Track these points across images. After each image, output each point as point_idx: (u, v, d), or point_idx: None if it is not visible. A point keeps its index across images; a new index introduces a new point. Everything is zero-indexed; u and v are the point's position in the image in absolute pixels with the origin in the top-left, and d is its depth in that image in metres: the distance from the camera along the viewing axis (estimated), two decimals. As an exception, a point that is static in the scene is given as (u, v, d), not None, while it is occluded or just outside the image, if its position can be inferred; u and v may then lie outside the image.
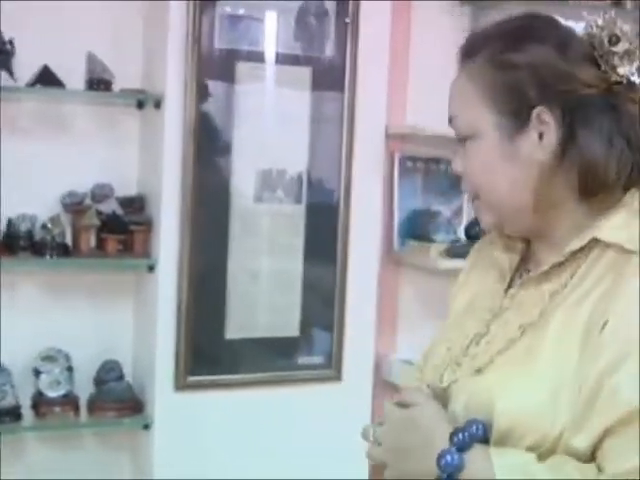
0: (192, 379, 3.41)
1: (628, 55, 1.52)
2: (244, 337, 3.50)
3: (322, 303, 3.61)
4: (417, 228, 3.77)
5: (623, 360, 1.39)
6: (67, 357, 3.39)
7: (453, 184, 3.87)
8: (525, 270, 1.64)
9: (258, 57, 3.40)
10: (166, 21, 3.28)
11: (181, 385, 3.40)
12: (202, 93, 3.31)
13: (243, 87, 3.38)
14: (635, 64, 1.52)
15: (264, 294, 3.52)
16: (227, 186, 3.40)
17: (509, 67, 1.52)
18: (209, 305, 3.43)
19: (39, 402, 3.32)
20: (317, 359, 3.62)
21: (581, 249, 1.51)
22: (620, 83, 1.52)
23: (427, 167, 3.84)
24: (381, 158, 3.68)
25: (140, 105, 3.41)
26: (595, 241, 1.50)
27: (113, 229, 3.38)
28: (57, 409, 3.32)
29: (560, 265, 1.53)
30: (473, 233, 3.78)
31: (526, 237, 1.65)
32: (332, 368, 3.63)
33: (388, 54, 3.63)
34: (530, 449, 1.44)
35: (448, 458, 1.46)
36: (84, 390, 3.42)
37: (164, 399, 3.39)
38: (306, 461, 3.56)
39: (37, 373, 3.35)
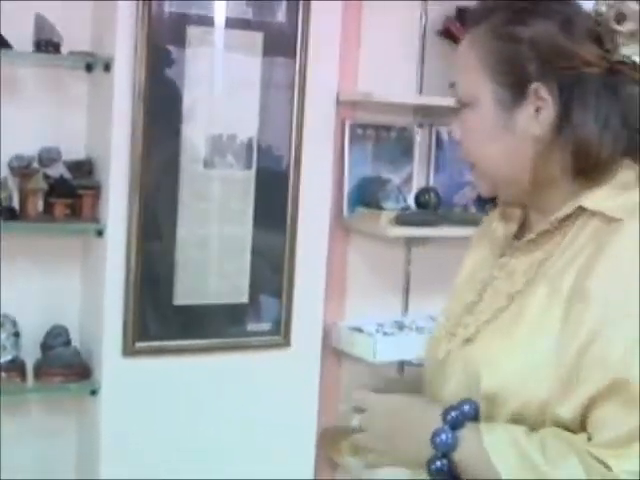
0: (140, 345, 3.39)
1: (633, 35, 1.51)
2: (193, 303, 3.48)
3: (271, 269, 3.60)
4: (367, 195, 3.77)
5: (604, 328, 1.40)
6: (14, 322, 3.35)
7: (403, 152, 3.89)
8: (520, 239, 1.65)
9: (209, 21, 3.36)
10: (116, -17, 3.23)
11: (129, 351, 3.37)
12: (152, 57, 3.26)
13: (194, 51, 3.34)
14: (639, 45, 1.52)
15: (213, 260, 3.50)
16: (177, 151, 3.37)
17: (511, 40, 1.52)
18: (158, 271, 3.41)
19: (-16, 368, 3.29)
20: (266, 325, 3.61)
21: (568, 218, 1.53)
22: (622, 63, 1.52)
23: (378, 134, 3.84)
24: (332, 125, 3.66)
25: (89, 68, 3.35)
26: (581, 210, 1.51)
27: (61, 193, 3.32)
28: (3, 375, 3.28)
29: (548, 233, 1.55)
30: (423, 201, 3.80)
31: (523, 206, 1.66)
32: (281, 335, 3.62)
33: (340, 21, 3.61)
34: (516, 416, 1.46)
35: (443, 437, 1.48)
36: (31, 355, 3.39)
37: (112, 365, 3.37)
38: (254, 427, 3.57)
39: (-17, 338, 3.32)
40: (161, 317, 3.44)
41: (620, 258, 1.42)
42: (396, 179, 3.84)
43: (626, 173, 1.52)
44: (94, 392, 3.38)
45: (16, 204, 3.30)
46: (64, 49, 3.29)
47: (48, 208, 3.33)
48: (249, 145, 3.47)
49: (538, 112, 1.52)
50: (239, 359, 3.55)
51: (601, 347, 1.39)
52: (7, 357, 3.30)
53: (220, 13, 3.37)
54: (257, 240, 3.54)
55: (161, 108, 3.32)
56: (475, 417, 1.50)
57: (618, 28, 1.50)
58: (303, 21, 3.47)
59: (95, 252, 3.42)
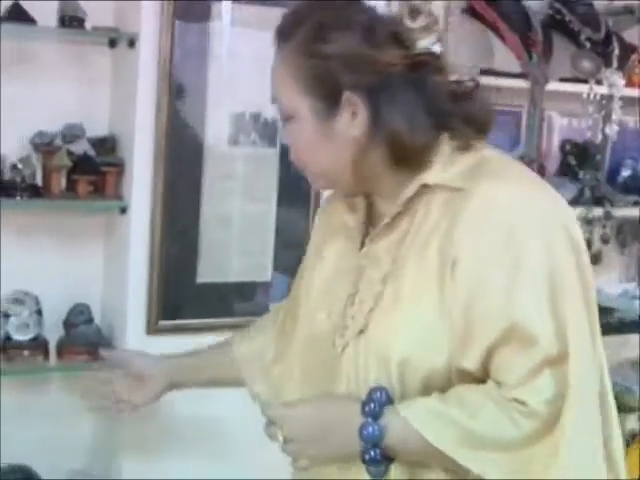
0: (163, 323, 3.37)
1: (427, 28, 1.72)
2: (216, 281, 3.47)
3: (294, 248, 3.57)
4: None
5: (479, 285, 1.53)
6: (36, 300, 3.33)
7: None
8: (373, 226, 1.76)
9: (234, -4, 3.33)
10: (140, -43, 3.20)
11: (152, 329, 3.36)
12: (177, 32, 3.23)
13: (219, 27, 3.31)
14: (434, 35, 1.73)
15: (237, 238, 3.48)
16: (201, 128, 3.34)
17: (317, 57, 1.62)
18: (181, 248, 3.39)
19: (7, 346, 3.25)
20: (288, 304, 3.60)
21: (414, 197, 1.64)
22: (423, 55, 1.65)
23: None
24: (355, 102, 3.64)
25: (112, 44, 3.30)
26: (425, 187, 1.63)
27: (84, 170, 3.30)
28: (26, 353, 3.26)
29: (399, 215, 1.66)
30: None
31: (365, 195, 1.78)
32: (303, 313, 3.60)
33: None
34: (426, 381, 1.58)
35: (370, 429, 1.57)
36: (53, 334, 3.37)
37: (135, 343, 3.34)
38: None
39: (5, 316, 3.27)
40: (184, 295, 3.43)
41: (475, 221, 1.55)
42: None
43: (445, 147, 1.64)
44: (117, 371, 3.36)
45: (39, 181, 3.28)
46: (88, 24, 3.26)
47: (71, 185, 3.30)
48: (273, 123, 3.45)
49: (354, 117, 1.63)
50: (262, 338, 3.53)
51: (482, 303, 1.53)
52: (29, 335, 3.27)
53: (245, -12, 3.34)
54: (281, 218, 3.53)
55: (185, 85, 3.29)
56: (388, 400, 1.59)
57: (413, 25, 1.69)
58: (326, -3, 3.44)
59: (118, 230, 3.40)
